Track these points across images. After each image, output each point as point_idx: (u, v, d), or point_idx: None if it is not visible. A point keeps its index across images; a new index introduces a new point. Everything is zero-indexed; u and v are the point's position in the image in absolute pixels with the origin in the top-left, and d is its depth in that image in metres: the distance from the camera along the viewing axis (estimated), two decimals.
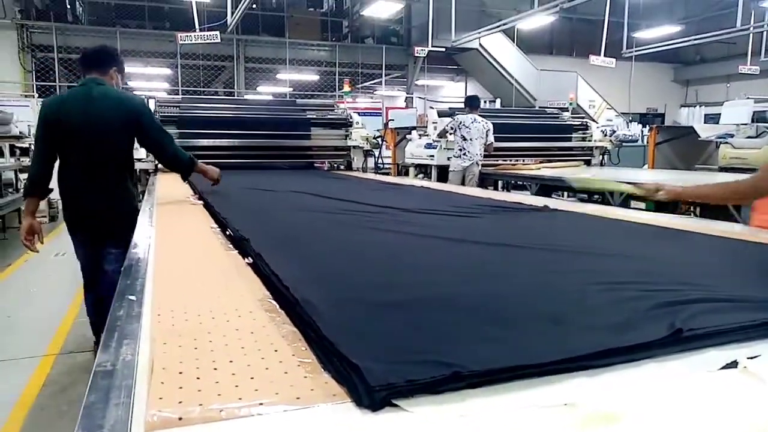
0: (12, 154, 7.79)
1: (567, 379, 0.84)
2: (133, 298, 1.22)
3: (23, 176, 8.07)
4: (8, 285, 5.33)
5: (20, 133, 8.12)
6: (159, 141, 3.13)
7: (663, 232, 2.32)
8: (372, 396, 0.75)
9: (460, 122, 6.77)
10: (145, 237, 1.99)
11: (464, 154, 6.73)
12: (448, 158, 6.99)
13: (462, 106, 7.39)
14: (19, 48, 13.06)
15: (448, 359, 0.84)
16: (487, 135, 6.78)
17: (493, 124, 6.89)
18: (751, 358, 0.90)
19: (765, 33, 14.60)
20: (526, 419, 0.74)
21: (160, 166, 4.46)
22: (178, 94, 13.23)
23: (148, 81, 16.13)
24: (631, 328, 0.99)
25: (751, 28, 13.82)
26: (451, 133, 6.91)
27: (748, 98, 10.86)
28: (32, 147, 8.26)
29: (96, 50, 3.11)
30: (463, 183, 6.61)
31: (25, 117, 8.84)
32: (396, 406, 0.75)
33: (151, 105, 5.58)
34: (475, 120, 6.76)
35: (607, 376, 0.86)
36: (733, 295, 1.19)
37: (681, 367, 0.89)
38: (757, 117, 9.05)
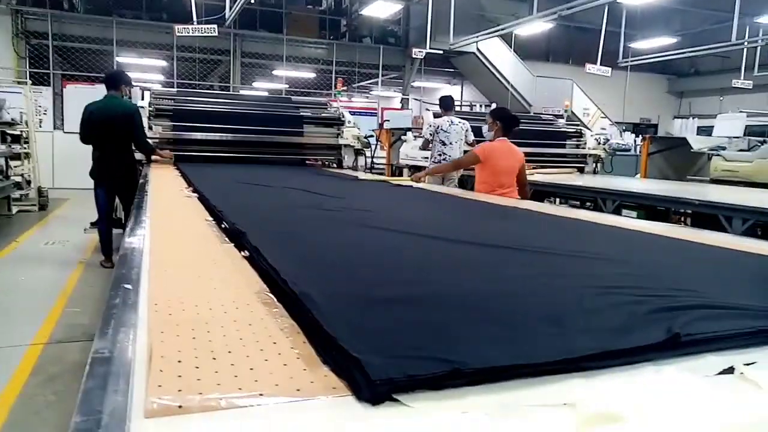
0: (3, 140, 7.63)
1: (565, 380, 0.85)
2: (129, 287, 1.21)
3: (14, 163, 8.01)
4: None
5: (12, 119, 7.97)
6: (140, 133, 5.13)
7: (642, 237, 2.35)
8: (373, 390, 0.75)
9: (438, 126, 6.50)
10: (140, 228, 1.98)
11: (444, 159, 6.40)
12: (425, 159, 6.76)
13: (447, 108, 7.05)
14: (13, 34, 12.87)
15: (448, 356, 0.84)
16: (466, 135, 6.55)
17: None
18: (748, 364, 0.91)
19: (759, 48, 14.73)
20: (526, 417, 0.74)
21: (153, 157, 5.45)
22: (173, 87, 13.15)
23: (143, 72, 16.01)
24: (629, 332, 0.99)
25: (746, 43, 13.96)
26: (431, 141, 6.62)
27: (741, 112, 10.95)
28: (24, 134, 8.36)
29: (114, 78, 5.21)
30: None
31: (18, 104, 8.64)
32: (396, 400, 0.75)
33: (147, 97, 5.80)
34: (452, 122, 6.49)
35: (605, 378, 0.87)
36: (728, 303, 1.20)
37: (678, 371, 0.90)
38: (750, 130, 9.11)
